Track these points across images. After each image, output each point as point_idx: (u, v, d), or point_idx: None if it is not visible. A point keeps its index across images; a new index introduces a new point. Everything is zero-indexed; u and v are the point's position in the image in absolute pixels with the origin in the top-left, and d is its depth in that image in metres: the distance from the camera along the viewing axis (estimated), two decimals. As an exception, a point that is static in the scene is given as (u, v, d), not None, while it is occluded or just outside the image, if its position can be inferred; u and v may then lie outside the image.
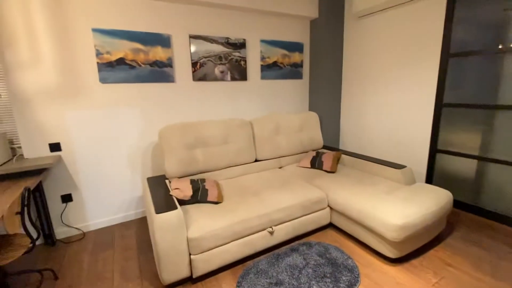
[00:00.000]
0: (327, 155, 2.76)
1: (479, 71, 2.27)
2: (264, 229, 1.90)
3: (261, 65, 2.99)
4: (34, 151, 2.10)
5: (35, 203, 2.08)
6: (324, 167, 2.64)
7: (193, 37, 2.54)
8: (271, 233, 1.93)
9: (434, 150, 2.62)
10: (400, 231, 1.68)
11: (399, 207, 1.81)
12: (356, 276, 1.70)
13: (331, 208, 2.23)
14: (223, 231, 1.71)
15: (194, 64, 2.60)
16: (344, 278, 1.68)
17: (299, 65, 3.27)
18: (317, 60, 3.28)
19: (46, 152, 2.14)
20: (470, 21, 2.26)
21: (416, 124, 2.72)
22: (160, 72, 2.45)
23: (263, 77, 3.03)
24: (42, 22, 1.97)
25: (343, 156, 2.86)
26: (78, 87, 2.17)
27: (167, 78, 2.50)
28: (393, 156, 3.00)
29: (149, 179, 2.20)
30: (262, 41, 2.94)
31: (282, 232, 1.99)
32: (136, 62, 2.33)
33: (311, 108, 3.46)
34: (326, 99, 3.42)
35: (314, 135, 3.04)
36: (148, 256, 1.99)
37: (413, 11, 2.57)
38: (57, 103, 2.12)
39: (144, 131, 2.50)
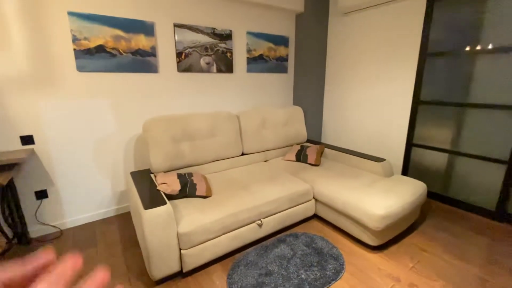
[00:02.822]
0: (311, 148, 2.83)
1: (453, 71, 2.43)
2: (253, 222, 1.93)
3: (247, 58, 2.96)
4: (4, 144, 1.93)
5: (6, 200, 1.93)
6: (309, 161, 2.72)
7: (178, 26, 2.45)
8: (260, 225, 1.96)
9: (410, 144, 2.79)
10: (382, 220, 1.79)
11: (381, 198, 1.92)
12: (341, 263, 1.80)
13: (316, 200, 2.31)
14: (213, 225, 1.71)
15: (179, 55, 2.51)
16: (330, 266, 1.76)
17: (285, 59, 3.28)
18: (301, 55, 3.31)
19: (18, 145, 1.98)
20: (447, 22, 2.40)
21: (394, 120, 2.87)
22: (142, 61, 2.34)
23: (249, 70, 3.00)
24: (9, 0, 1.79)
25: (326, 149, 2.95)
26: (52, 75, 2.01)
27: (150, 68, 2.39)
28: (372, 149, 3.15)
29: (133, 174, 2.12)
30: (249, 33, 2.90)
31: (270, 224, 2.03)
32: (117, 50, 2.20)
33: (295, 102, 3.51)
34: (310, 94, 3.48)
35: (299, 129, 3.10)
36: (134, 252, 1.94)
37: (395, 10, 2.67)
38: (29, 93, 1.95)
39: (126, 123, 2.39)
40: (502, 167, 2.24)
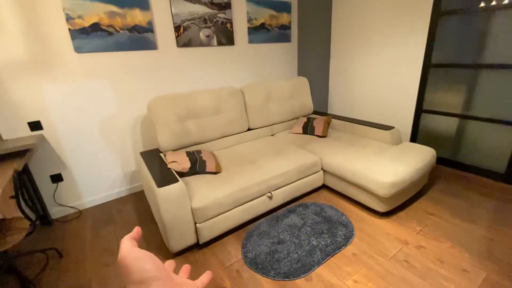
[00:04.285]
0: (318, 120, 2.80)
1: (467, 30, 2.28)
2: (263, 195, 1.97)
3: (248, 28, 2.82)
4: (13, 131, 1.95)
5: (24, 185, 1.99)
6: (316, 132, 2.70)
7: (174, -3, 2.31)
8: (270, 198, 2.01)
9: (419, 110, 2.73)
10: (391, 187, 1.81)
11: (389, 166, 1.92)
12: (351, 230, 1.86)
13: (324, 170, 2.33)
14: (225, 199, 1.75)
15: (177, 28, 2.40)
16: (340, 233, 1.82)
17: (287, 27, 3.12)
18: (305, 21, 3.13)
19: (26, 131, 2.00)
20: (462, -25, 2.20)
21: (404, 86, 2.77)
22: (140, 38, 2.25)
23: (250, 41, 2.88)
24: (-5, -19, 1.69)
25: (333, 120, 2.91)
26: (51, 58, 1.96)
27: (149, 44, 2.31)
28: (380, 117, 3.10)
29: (142, 154, 2.15)
30: (249, 0, 2.73)
31: (280, 196, 2.08)
32: (113, 27, 2.11)
33: (300, 73, 3.40)
34: (315, 63, 3.35)
35: (305, 101, 3.04)
36: (151, 228, 2.03)
37: (406, -36, 2.45)
38: (30, 77, 1.92)
39: (130, 103, 2.37)
40: (515, 129, 2.19)
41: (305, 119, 2.88)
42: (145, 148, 2.55)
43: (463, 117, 2.48)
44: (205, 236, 1.73)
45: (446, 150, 2.68)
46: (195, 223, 1.69)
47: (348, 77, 3.31)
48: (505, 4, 2.04)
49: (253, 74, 3.03)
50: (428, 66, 2.54)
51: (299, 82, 3.01)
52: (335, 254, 1.66)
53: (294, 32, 3.22)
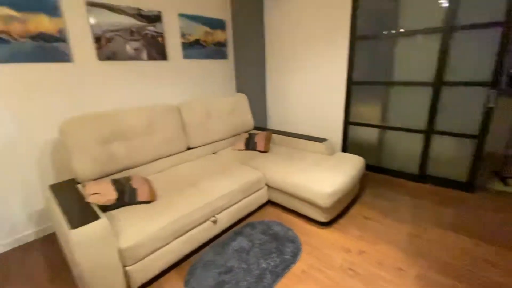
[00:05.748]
0: (259, 135, 2.81)
1: (378, 52, 2.66)
2: (206, 220, 1.81)
3: (183, 43, 2.70)
4: None
5: None
6: (258, 148, 2.69)
7: (91, 4, 2.04)
8: (215, 222, 1.86)
9: (347, 123, 3.01)
10: (330, 197, 1.88)
11: (327, 177, 2.01)
12: (298, 245, 1.84)
13: (268, 186, 2.31)
14: (162, 232, 1.53)
15: (97, 39, 2.12)
16: (288, 250, 1.78)
17: (223, 44, 3.12)
18: (240, 39, 3.19)
19: None
20: (372, 9, 2.58)
21: (332, 101, 3.04)
22: (49, 48, 1.90)
23: (185, 56, 2.75)
24: None
25: (273, 135, 2.97)
26: None
27: (61, 56, 1.96)
28: (314, 130, 3.30)
29: (52, 187, 1.74)
30: (181, 15, 2.63)
31: (225, 219, 1.95)
32: (9, 34, 1.72)
33: (238, 90, 3.41)
34: (252, 80, 3.42)
35: (245, 117, 3.03)
36: (66, 280, 1.62)
37: (326, -6, 2.75)
38: None
39: (37, 125, 1.94)
40: (422, 136, 2.60)
41: (246, 135, 2.85)
42: (59, 179, 2.10)
43: (381, 127, 2.83)
44: (139, 280, 1.46)
45: (371, 157, 3.00)
46: (124, 267, 1.41)
47: (284, 93, 3.48)
48: (402, 32, 2.46)
49: (190, 91, 2.89)
50: (350, 83, 2.85)
51: (238, 99, 3.00)
52: (285, 273, 1.60)
53: (230, 49, 3.24)
